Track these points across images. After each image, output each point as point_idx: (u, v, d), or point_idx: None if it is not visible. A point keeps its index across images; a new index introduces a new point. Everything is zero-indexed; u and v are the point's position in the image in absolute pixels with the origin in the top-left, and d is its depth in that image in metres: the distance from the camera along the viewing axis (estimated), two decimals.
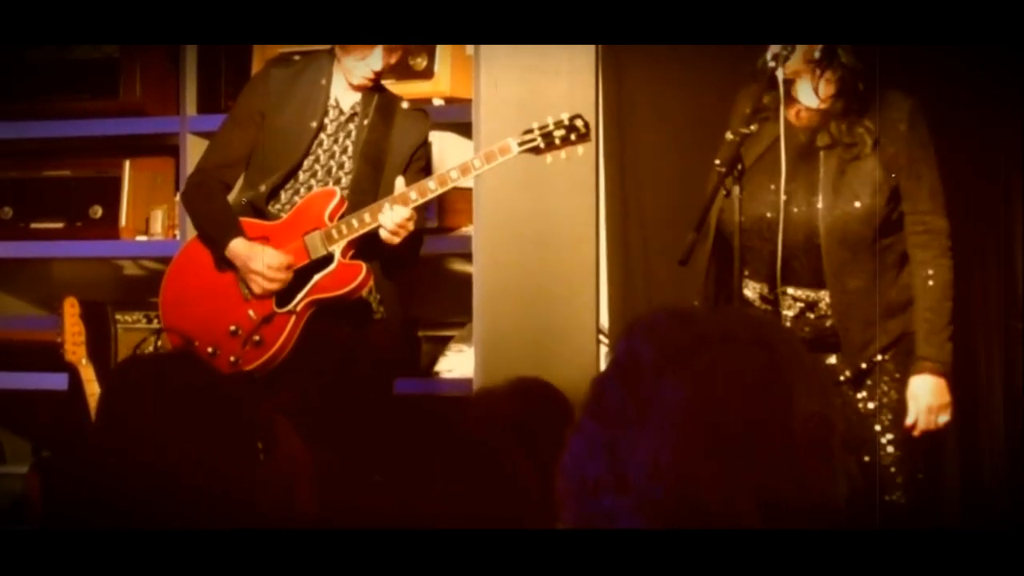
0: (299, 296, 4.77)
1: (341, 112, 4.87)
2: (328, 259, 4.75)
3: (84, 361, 5.00)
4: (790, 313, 4.32)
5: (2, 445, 6.28)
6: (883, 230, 4.27)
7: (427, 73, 5.62)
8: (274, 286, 4.76)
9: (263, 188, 4.84)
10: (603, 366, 5.60)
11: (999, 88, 4.65)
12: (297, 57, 5.00)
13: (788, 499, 1.64)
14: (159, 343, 4.98)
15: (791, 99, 4.34)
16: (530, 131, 4.65)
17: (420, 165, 4.96)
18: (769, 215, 4.28)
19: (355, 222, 4.70)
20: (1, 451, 6.28)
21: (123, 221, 5.98)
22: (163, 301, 4.95)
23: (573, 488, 1.68)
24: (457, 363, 5.59)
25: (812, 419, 1.66)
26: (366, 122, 4.85)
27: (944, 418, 4.21)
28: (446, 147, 5.74)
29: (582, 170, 5.55)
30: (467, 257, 5.45)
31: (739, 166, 4.24)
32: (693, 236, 4.23)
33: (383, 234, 4.66)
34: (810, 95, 4.31)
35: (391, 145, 4.86)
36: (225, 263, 4.82)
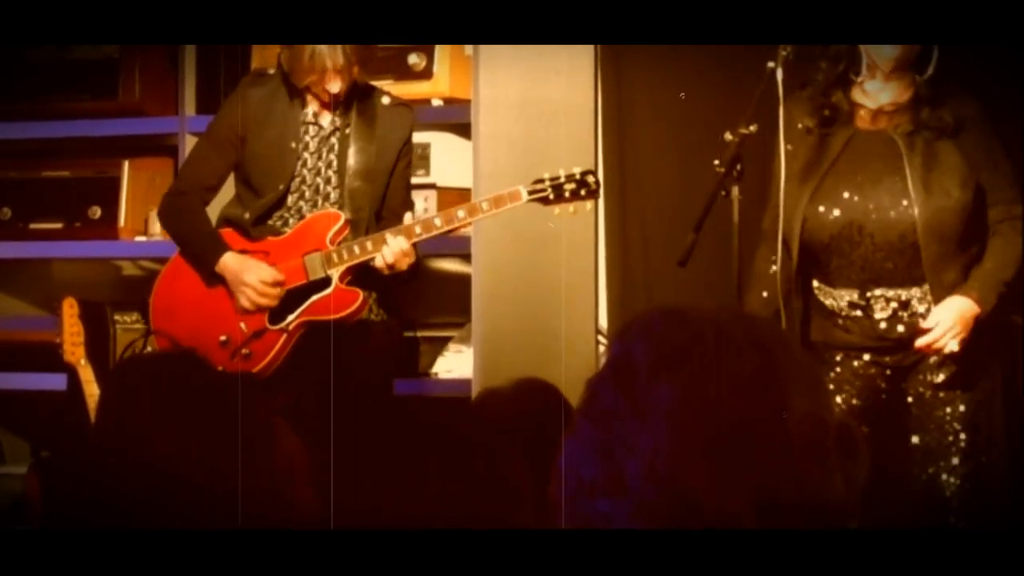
0: (292, 315, 4.76)
1: (321, 128, 4.84)
2: (326, 282, 4.75)
3: (83, 361, 5.00)
4: (883, 315, 4.35)
5: (1, 445, 6.28)
6: (971, 224, 4.32)
7: (426, 74, 5.62)
8: (264, 301, 4.74)
9: (247, 216, 4.83)
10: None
11: (998, 88, 4.65)
12: (272, 71, 4.95)
13: (784, 500, 1.64)
14: (147, 346, 4.98)
15: (853, 103, 4.37)
16: (541, 181, 4.65)
17: (407, 161, 4.94)
18: (861, 218, 4.30)
19: (356, 249, 4.69)
20: (0, 451, 6.28)
21: (122, 221, 5.98)
22: (154, 305, 4.94)
23: (568, 490, 1.68)
24: (456, 364, 5.59)
25: (806, 419, 1.66)
26: (348, 131, 4.82)
27: (954, 345, 4.25)
28: (445, 148, 5.74)
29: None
30: (466, 258, 5.46)
31: (738, 167, 4.24)
32: (693, 237, 4.24)
33: (378, 263, 4.65)
34: (880, 96, 4.34)
35: (377, 148, 4.83)
36: (217, 275, 4.81)
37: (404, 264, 4.65)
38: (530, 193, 4.63)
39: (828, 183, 4.35)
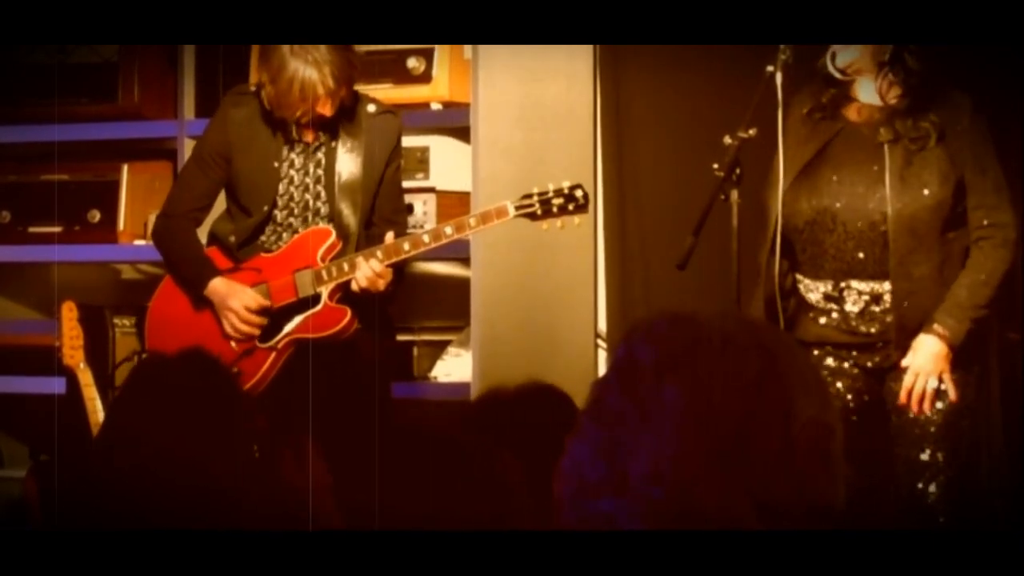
0: (281, 334, 4.76)
1: (306, 144, 4.83)
2: (315, 299, 4.75)
3: (82, 365, 5.00)
4: (855, 309, 4.34)
5: (0, 449, 6.28)
6: (949, 223, 4.29)
7: (425, 77, 5.62)
8: (246, 328, 4.74)
9: (232, 239, 4.83)
10: (601, 370, 5.62)
11: (998, 89, 4.65)
12: (253, 88, 4.93)
13: (787, 503, 1.65)
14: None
15: (849, 98, 4.37)
16: (529, 196, 4.65)
17: (396, 166, 4.92)
18: (836, 206, 4.31)
19: (346, 266, 4.68)
20: None
21: (121, 225, 5.97)
22: (149, 325, 4.94)
23: (572, 491, 1.68)
24: (455, 367, 5.59)
25: (811, 423, 1.66)
26: (334, 144, 4.80)
27: (932, 384, 4.24)
28: (444, 152, 5.74)
29: (580, 172, 5.55)
30: (465, 261, 5.46)
31: (737, 171, 4.25)
32: (692, 240, 4.24)
33: (353, 286, 4.65)
34: (872, 94, 4.34)
35: (364, 158, 4.82)
36: (206, 298, 4.81)
37: (380, 285, 4.65)
38: (517, 209, 4.63)
39: (810, 170, 4.35)
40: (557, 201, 4.64)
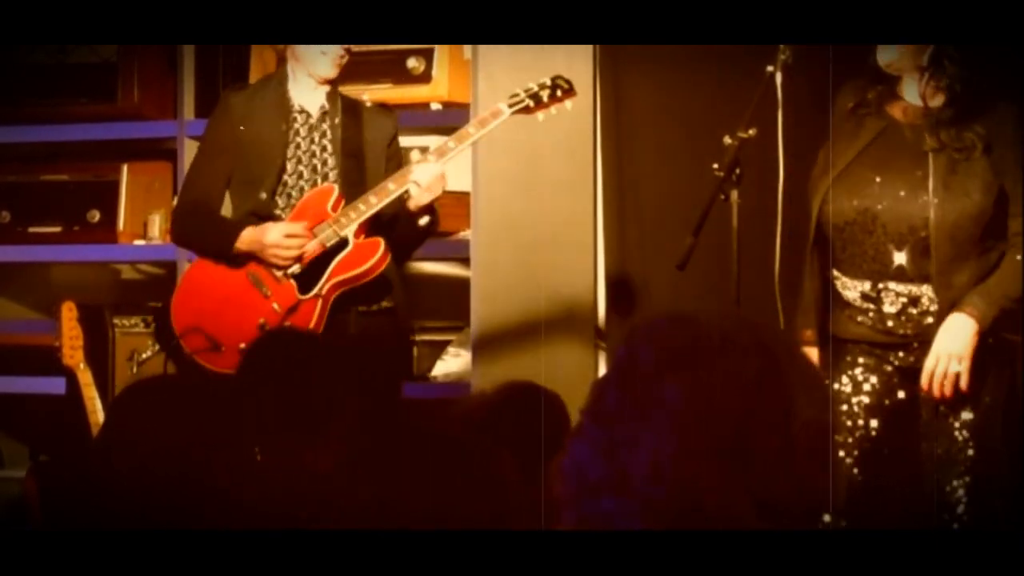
0: (323, 280, 4.77)
1: (309, 115, 4.87)
2: (343, 244, 4.77)
3: (82, 365, 4.99)
4: (892, 310, 4.33)
5: (0, 449, 6.29)
6: (989, 231, 4.28)
7: (425, 77, 5.62)
8: (292, 252, 4.72)
9: (263, 195, 4.83)
10: (601, 370, 5.63)
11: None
12: (252, 82, 5.00)
13: (786, 502, 1.65)
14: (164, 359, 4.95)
15: (896, 96, 4.35)
16: (516, 95, 4.74)
17: (397, 162, 4.95)
18: (877, 207, 4.30)
19: (362, 206, 4.72)
20: None
21: (121, 225, 5.98)
22: (177, 318, 4.89)
23: (573, 490, 1.69)
24: (455, 367, 5.59)
25: (810, 424, 1.67)
26: (337, 120, 4.86)
27: (956, 367, 4.22)
28: None
29: (580, 172, 5.56)
30: (465, 261, 5.46)
31: (737, 171, 4.25)
32: (691, 240, 4.23)
33: (413, 191, 4.66)
34: (917, 95, 4.33)
35: (366, 140, 4.88)
36: (237, 263, 4.80)
37: (439, 189, 4.67)
38: (510, 106, 4.73)
39: (852, 170, 4.33)
40: (545, 92, 4.76)
